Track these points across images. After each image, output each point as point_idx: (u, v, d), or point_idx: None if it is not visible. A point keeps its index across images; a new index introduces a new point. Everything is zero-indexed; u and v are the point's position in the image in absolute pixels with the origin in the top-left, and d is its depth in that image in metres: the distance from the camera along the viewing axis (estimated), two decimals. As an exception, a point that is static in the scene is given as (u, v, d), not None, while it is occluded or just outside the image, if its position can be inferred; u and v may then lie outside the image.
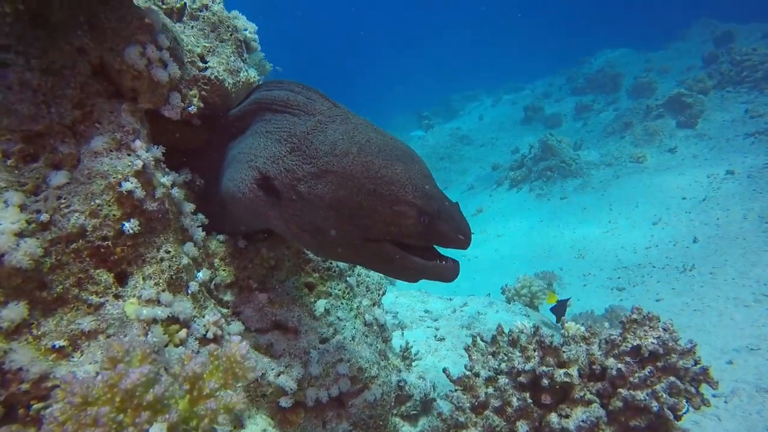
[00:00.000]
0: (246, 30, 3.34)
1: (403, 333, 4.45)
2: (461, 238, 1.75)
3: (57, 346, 1.69)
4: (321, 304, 2.86)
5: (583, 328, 2.18)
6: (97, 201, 1.79)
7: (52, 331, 1.71)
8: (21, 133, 1.86)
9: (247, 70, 2.71)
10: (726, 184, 10.65)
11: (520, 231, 12.18)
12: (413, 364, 3.79)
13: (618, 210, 11.32)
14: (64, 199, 1.77)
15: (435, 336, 4.52)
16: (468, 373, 2.32)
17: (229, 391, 1.35)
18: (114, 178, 1.82)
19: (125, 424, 1.09)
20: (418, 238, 1.78)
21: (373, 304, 3.18)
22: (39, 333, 1.69)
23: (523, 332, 2.35)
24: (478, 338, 2.51)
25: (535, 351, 2.05)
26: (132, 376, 1.14)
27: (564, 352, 2.02)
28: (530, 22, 47.80)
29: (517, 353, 2.12)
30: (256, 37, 3.81)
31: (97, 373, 1.20)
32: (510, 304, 5.50)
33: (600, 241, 10.35)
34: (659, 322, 2.05)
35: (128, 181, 1.84)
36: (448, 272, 1.79)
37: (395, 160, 1.81)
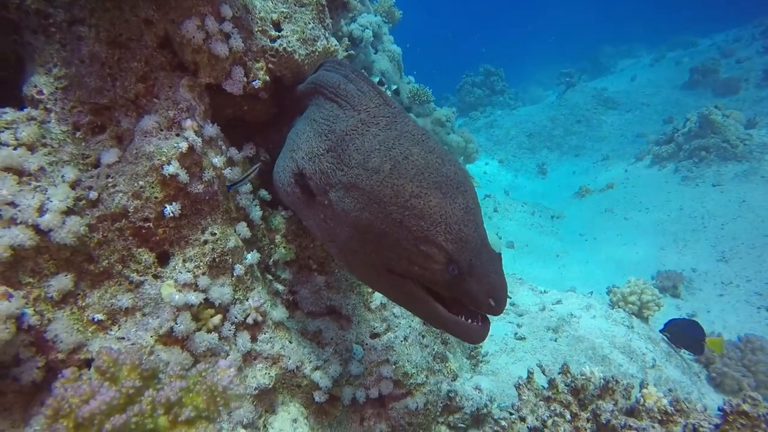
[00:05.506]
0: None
1: (479, 324, 4.15)
2: (491, 304, 1.42)
3: (96, 319, 1.78)
4: (378, 297, 2.72)
5: (666, 401, 1.72)
6: (140, 182, 1.79)
7: (95, 303, 1.79)
8: (90, 105, 1.91)
9: (327, 38, 2.49)
10: None
11: (652, 217, 10.60)
12: (481, 364, 3.54)
13: (792, 210, 9.18)
14: (112, 178, 1.79)
15: (515, 334, 4.15)
16: (513, 414, 2.02)
17: (204, 423, 1.28)
18: (158, 160, 1.80)
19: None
20: (444, 289, 1.49)
21: (438, 302, 2.95)
22: (83, 304, 1.78)
23: (591, 381, 1.96)
24: (538, 371, 2.17)
25: (588, 422, 1.67)
26: (92, 404, 1.10)
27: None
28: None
29: (568, 416, 1.76)
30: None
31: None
32: (613, 309, 4.83)
33: (756, 246, 8.54)
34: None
35: (171, 164, 1.80)
36: (472, 334, 1.49)
37: (432, 188, 1.50)
